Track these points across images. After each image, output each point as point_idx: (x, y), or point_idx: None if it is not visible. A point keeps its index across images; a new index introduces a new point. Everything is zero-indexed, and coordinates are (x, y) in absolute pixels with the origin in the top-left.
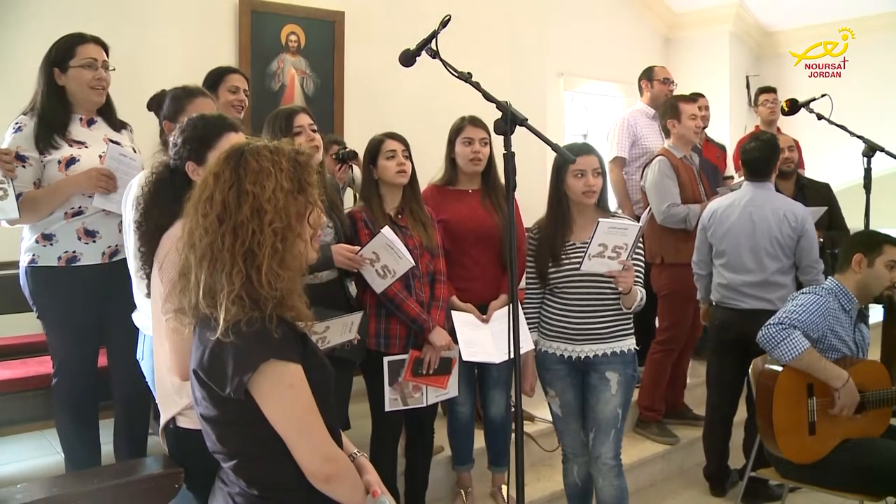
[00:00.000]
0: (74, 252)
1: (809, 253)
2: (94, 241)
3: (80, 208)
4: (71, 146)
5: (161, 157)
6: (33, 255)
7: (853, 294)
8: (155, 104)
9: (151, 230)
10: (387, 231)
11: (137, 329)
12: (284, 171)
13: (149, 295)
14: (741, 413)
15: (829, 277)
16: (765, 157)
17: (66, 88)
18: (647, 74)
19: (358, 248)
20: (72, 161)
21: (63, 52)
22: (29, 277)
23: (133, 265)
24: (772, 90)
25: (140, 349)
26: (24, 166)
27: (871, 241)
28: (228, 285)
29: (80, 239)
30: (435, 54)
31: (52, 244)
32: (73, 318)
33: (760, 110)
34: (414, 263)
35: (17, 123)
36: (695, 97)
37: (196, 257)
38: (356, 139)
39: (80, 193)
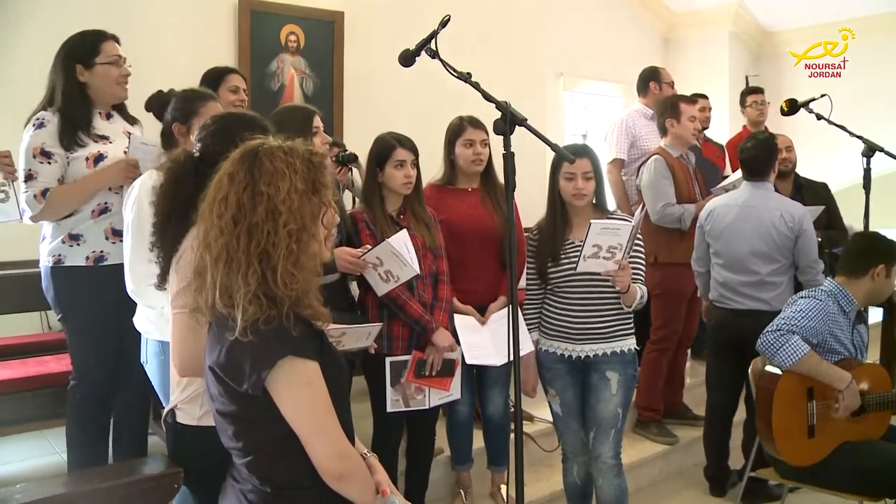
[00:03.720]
0: (102, 252)
1: (808, 253)
2: (121, 241)
3: (106, 205)
4: (96, 142)
5: (168, 156)
6: (59, 254)
7: (855, 298)
8: (155, 105)
9: (179, 227)
10: (393, 240)
11: None
12: (299, 173)
13: (159, 286)
14: (741, 413)
15: (828, 279)
16: (762, 156)
17: (88, 85)
18: (655, 76)
19: (360, 251)
20: (100, 158)
21: (87, 49)
22: (54, 277)
23: (128, 255)
24: (759, 91)
25: (144, 353)
26: (49, 163)
27: (894, 252)
28: (245, 286)
29: (107, 238)
30: (434, 54)
31: (79, 244)
32: (97, 318)
33: (748, 111)
34: (418, 272)
35: (38, 119)
36: (695, 98)
37: (212, 257)
38: (355, 139)
39: (108, 187)
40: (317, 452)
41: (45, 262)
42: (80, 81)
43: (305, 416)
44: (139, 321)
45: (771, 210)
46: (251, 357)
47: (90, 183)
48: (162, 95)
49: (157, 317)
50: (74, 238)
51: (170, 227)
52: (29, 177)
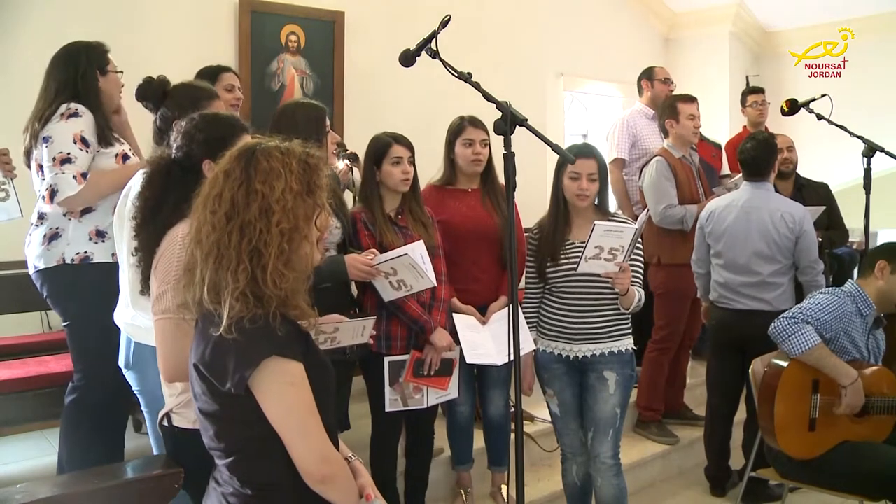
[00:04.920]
0: None
1: (808, 254)
2: None
3: None
4: (117, 141)
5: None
6: (86, 251)
7: (872, 300)
8: (149, 94)
9: (157, 228)
10: (413, 252)
11: None
12: (294, 173)
13: (143, 292)
14: (741, 413)
15: (850, 280)
16: (762, 156)
17: (102, 90)
18: (648, 74)
19: (369, 256)
20: (126, 157)
21: (101, 58)
22: (82, 275)
23: (129, 264)
24: (759, 91)
25: (125, 356)
26: (86, 151)
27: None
28: (233, 282)
29: None
30: (435, 54)
31: (104, 241)
32: None
33: (748, 111)
34: (435, 284)
35: (70, 108)
36: (694, 97)
37: (202, 253)
38: (356, 139)
39: None
40: (299, 455)
41: (69, 260)
42: (98, 87)
43: (288, 418)
44: (124, 320)
45: (772, 210)
46: (235, 356)
47: (127, 172)
48: (155, 83)
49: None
50: (101, 235)
51: (145, 230)
52: (67, 160)
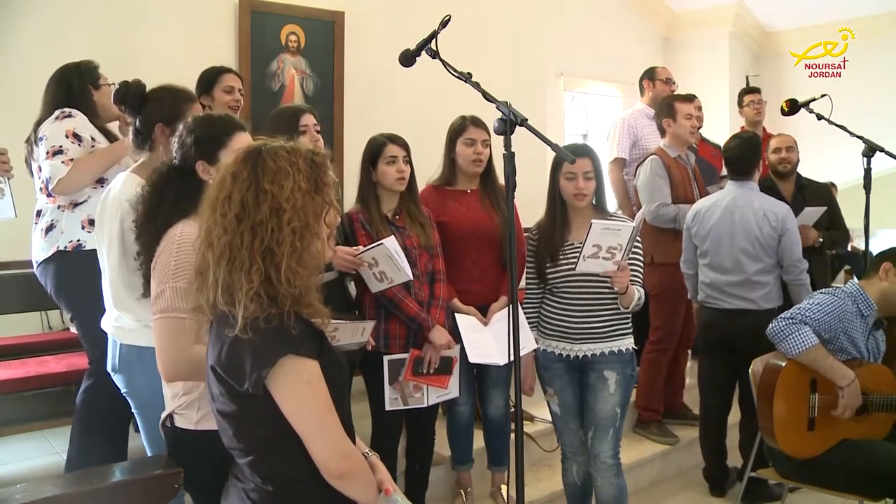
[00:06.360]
0: None
1: (791, 252)
2: None
3: None
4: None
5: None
6: (79, 239)
7: (873, 301)
8: (127, 97)
9: (157, 228)
10: (388, 242)
11: None
12: (302, 172)
13: (145, 294)
14: (736, 414)
15: (851, 281)
16: (745, 155)
17: (97, 102)
18: (650, 74)
19: (356, 249)
20: None
21: (93, 74)
22: (76, 261)
23: (116, 266)
24: (756, 91)
25: (112, 360)
26: (79, 145)
27: None
28: (247, 283)
29: None
30: (435, 54)
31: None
32: None
33: (745, 111)
34: (411, 277)
35: (64, 112)
36: (692, 97)
37: (214, 256)
38: (356, 139)
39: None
40: (318, 451)
41: (62, 247)
42: (93, 99)
43: (306, 415)
44: (108, 323)
45: (755, 209)
46: (251, 355)
47: (110, 153)
48: (132, 87)
49: (136, 323)
50: (93, 223)
51: (146, 233)
52: (59, 151)
